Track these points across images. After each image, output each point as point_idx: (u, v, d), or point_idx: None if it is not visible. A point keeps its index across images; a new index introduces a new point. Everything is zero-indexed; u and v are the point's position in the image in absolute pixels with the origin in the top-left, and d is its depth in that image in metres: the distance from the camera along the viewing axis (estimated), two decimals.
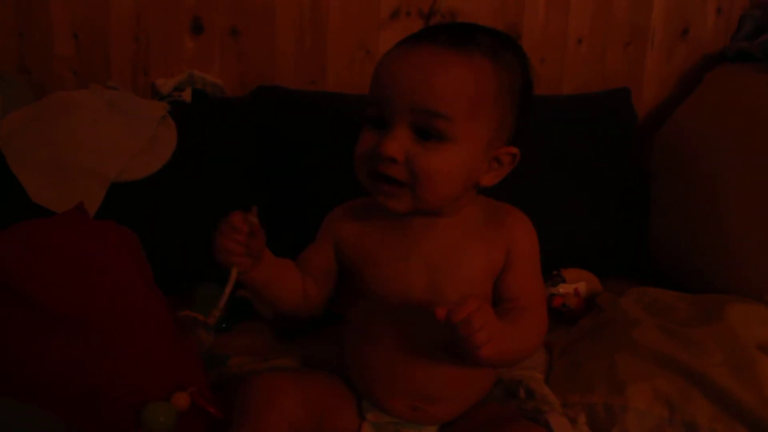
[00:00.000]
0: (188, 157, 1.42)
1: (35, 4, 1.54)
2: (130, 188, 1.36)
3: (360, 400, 0.95)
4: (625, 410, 0.93)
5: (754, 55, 1.58)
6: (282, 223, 1.44)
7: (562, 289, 1.37)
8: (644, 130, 1.74)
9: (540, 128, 1.57)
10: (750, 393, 0.90)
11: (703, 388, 0.93)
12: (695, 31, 1.79)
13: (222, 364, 1.12)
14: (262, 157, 1.48)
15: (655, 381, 0.96)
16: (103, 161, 1.35)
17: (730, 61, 1.68)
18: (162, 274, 1.13)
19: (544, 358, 1.11)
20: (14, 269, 0.98)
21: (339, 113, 1.46)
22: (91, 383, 0.91)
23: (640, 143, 1.67)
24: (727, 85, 1.60)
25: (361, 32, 1.65)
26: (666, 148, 1.63)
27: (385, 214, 0.91)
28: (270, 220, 1.44)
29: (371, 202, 0.94)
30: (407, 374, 0.90)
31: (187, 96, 1.53)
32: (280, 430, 0.85)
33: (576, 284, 1.38)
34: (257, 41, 1.63)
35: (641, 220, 1.61)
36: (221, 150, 1.46)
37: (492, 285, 0.92)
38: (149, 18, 1.58)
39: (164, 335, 1.01)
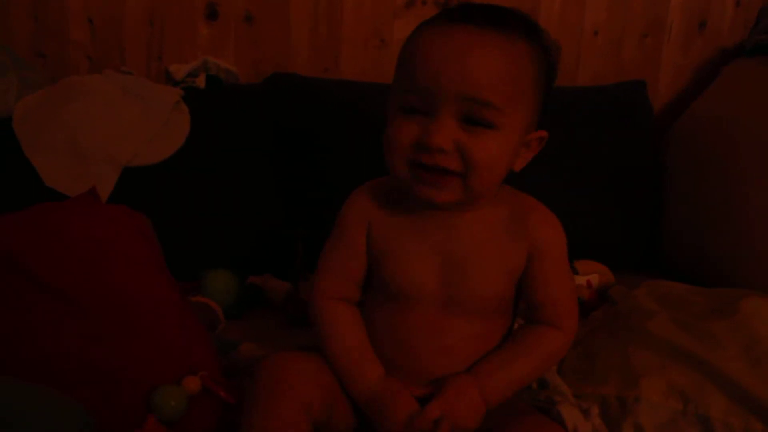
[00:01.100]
0: (201, 143, 1.42)
1: None
2: (143, 173, 1.36)
3: None
4: (638, 402, 0.92)
5: None
6: (295, 210, 1.44)
7: (575, 280, 1.36)
8: (660, 123, 1.72)
9: (554, 119, 1.56)
10: (765, 386, 0.89)
11: (718, 382, 0.92)
12: (713, 23, 1.78)
13: (233, 350, 1.12)
14: (275, 144, 1.48)
15: (668, 373, 0.95)
16: (116, 146, 1.35)
17: (748, 54, 1.66)
18: (173, 260, 1.13)
19: None
20: (27, 252, 0.98)
21: (353, 101, 1.45)
22: (103, 366, 0.91)
23: (655, 136, 1.66)
24: (745, 79, 1.58)
25: (376, 20, 1.64)
26: (682, 141, 1.62)
27: (408, 202, 0.90)
28: (282, 206, 1.45)
29: (394, 186, 0.92)
30: (419, 368, 0.89)
31: (200, 82, 1.53)
32: (294, 412, 0.82)
33: (589, 276, 1.37)
34: (272, 28, 1.62)
35: (655, 212, 1.60)
36: (234, 136, 1.46)
37: (513, 284, 0.90)
38: (164, 4, 1.58)
39: (176, 319, 1.00)
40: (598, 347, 1.06)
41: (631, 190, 1.58)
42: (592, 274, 1.38)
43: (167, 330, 0.99)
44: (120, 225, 1.09)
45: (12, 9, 1.55)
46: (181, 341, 0.98)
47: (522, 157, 0.89)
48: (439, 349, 0.88)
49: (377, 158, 0.94)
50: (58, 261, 0.99)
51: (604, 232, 1.55)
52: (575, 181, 1.54)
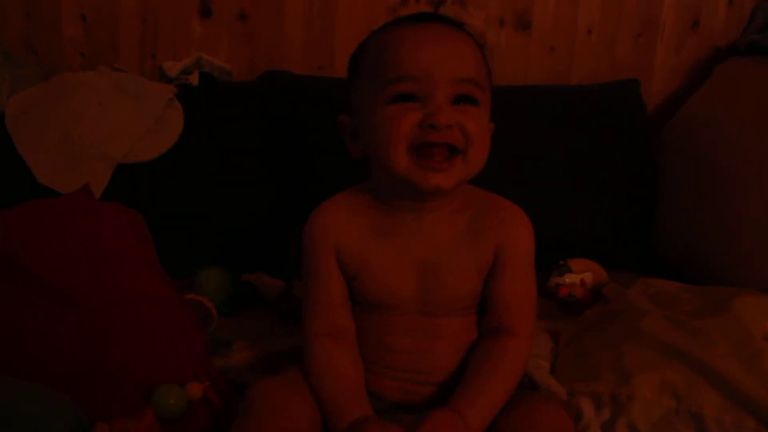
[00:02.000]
0: (195, 140, 1.42)
1: None
2: (137, 170, 1.36)
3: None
4: (632, 400, 0.92)
5: (765, 48, 1.57)
6: (288, 207, 1.44)
7: (569, 279, 1.36)
8: (653, 122, 1.73)
9: (548, 118, 1.57)
10: (758, 383, 0.90)
11: (711, 379, 0.92)
12: (706, 22, 1.78)
13: (226, 348, 1.12)
14: (268, 141, 1.47)
15: (662, 371, 0.95)
16: (109, 143, 1.35)
17: (741, 53, 1.66)
18: (166, 257, 1.12)
19: (550, 347, 1.10)
20: (20, 249, 0.98)
21: (347, 99, 1.45)
22: (98, 363, 0.91)
23: (648, 135, 1.66)
24: (738, 78, 1.59)
25: (370, 18, 1.64)
26: (675, 141, 1.62)
27: (372, 210, 0.91)
28: (276, 204, 1.45)
29: (353, 197, 0.93)
30: (396, 370, 0.90)
31: (194, 79, 1.53)
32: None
33: (582, 274, 1.37)
34: (266, 25, 1.62)
35: (648, 211, 1.60)
36: (228, 134, 1.45)
37: (482, 282, 0.91)
38: (157, 1, 1.58)
39: (169, 316, 1.00)
40: (592, 345, 1.06)
41: (625, 188, 1.58)
42: (586, 273, 1.38)
43: (160, 326, 0.98)
44: (113, 222, 1.08)
45: (4, 5, 1.55)
46: (176, 338, 0.98)
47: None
48: (422, 349, 0.90)
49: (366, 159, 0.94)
50: (51, 258, 0.98)
51: (597, 230, 1.55)
52: (568, 180, 1.54)
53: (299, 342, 1.12)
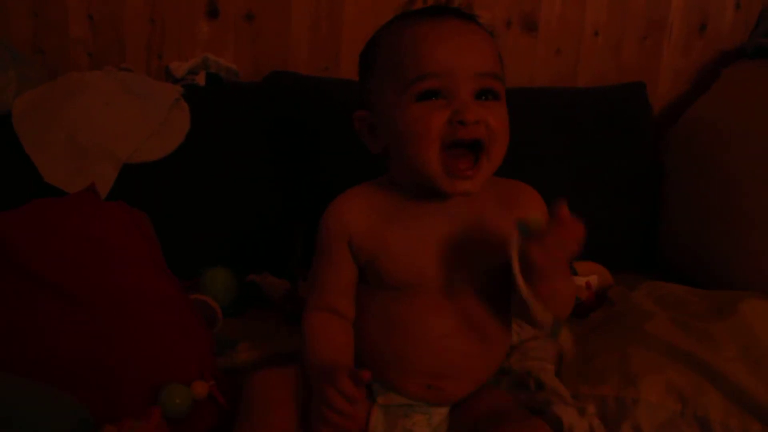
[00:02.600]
0: (201, 140, 1.42)
1: None
2: (143, 170, 1.36)
3: (370, 384, 0.93)
4: (637, 403, 0.92)
5: None
6: (293, 208, 1.44)
7: (574, 281, 1.36)
8: (659, 125, 1.72)
9: (554, 120, 1.57)
10: (764, 387, 0.90)
11: (717, 382, 0.92)
12: (713, 26, 1.77)
13: (231, 348, 1.12)
14: (274, 142, 1.47)
15: (667, 374, 0.95)
16: (115, 143, 1.35)
17: (748, 57, 1.66)
18: (172, 257, 1.13)
19: (555, 350, 1.10)
20: (27, 249, 0.98)
21: (352, 100, 1.45)
22: (104, 363, 0.91)
23: (654, 137, 1.66)
24: (745, 82, 1.58)
25: (377, 19, 1.60)
26: (681, 144, 1.62)
27: (390, 199, 0.92)
28: (281, 204, 1.45)
29: (370, 189, 0.94)
30: (421, 355, 0.89)
31: (200, 80, 1.53)
32: (287, 421, 0.85)
33: (587, 277, 1.37)
34: (272, 26, 1.62)
35: (654, 214, 1.60)
36: (234, 134, 1.45)
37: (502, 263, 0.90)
38: (165, 1, 1.58)
39: (175, 316, 1.00)
40: (597, 348, 1.06)
41: (631, 191, 1.58)
42: (591, 276, 1.38)
43: (165, 326, 0.99)
44: (119, 222, 1.09)
45: (12, 5, 1.55)
46: (181, 338, 0.98)
47: None
48: (444, 332, 0.89)
49: (376, 156, 0.94)
50: (57, 258, 0.99)
51: (603, 233, 1.55)
52: (574, 182, 1.54)
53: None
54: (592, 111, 1.60)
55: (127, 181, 1.34)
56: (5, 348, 0.92)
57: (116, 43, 1.59)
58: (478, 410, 0.90)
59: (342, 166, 1.43)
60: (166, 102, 1.42)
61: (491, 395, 0.95)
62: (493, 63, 0.87)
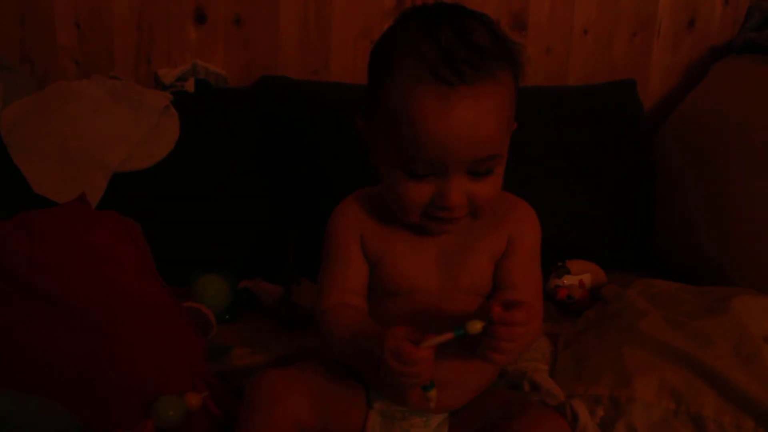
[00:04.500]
0: (191, 147, 1.41)
1: None
2: (133, 178, 1.36)
3: (367, 390, 0.94)
4: (631, 401, 0.92)
5: (761, 47, 1.57)
6: (285, 213, 1.44)
7: (567, 280, 1.36)
8: (650, 122, 1.72)
9: (545, 119, 1.57)
10: (757, 385, 0.90)
11: (710, 380, 0.92)
12: (702, 21, 1.78)
13: (225, 355, 1.11)
14: (265, 147, 1.47)
15: (661, 373, 0.95)
16: (105, 151, 1.34)
17: (737, 52, 1.66)
18: (163, 265, 1.12)
19: (548, 349, 1.10)
20: (17, 260, 0.98)
21: (343, 103, 1.45)
22: (96, 372, 0.91)
23: (645, 134, 1.66)
24: (734, 77, 1.58)
25: (365, 22, 1.64)
26: (672, 140, 1.62)
27: (389, 208, 0.93)
28: (273, 210, 1.44)
29: (373, 193, 0.96)
30: None
31: (190, 86, 1.52)
32: (288, 427, 0.85)
33: (581, 276, 1.37)
34: (261, 31, 1.62)
35: (646, 212, 1.60)
36: (224, 140, 1.45)
37: (494, 267, 0.94)
38: (152, 7, 1.57)
39: (167, 324, 1.00)
40: (591, 347, 1.06)
41: (622, 189, 1.58)
42: (585, 274, 1.38)
43: (160, 335, 0.98)
44: (110, 231, 1.08)
45: None
46: (174, 346, 0.98)
47: None
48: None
49: (367, 161, 0.94)
50: (47, 268, 0.98)
51: (595, 231, 1.55)
52: (566, 180, 1.54)
53: (299, 348, 1.13)
54: (583, 109, 1.60)
55: (117, 190, 1.33)
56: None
57: (104, 51, 1.58)
58: (483, 409, 0.91)
59: (334, 170, 1.43)
60: (155, 109, 1.42)
61: (496, 394, 0.97)
62: (492, 146, 0.84)
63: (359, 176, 1.00)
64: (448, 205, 0.85)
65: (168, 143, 1.40)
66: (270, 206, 1.45)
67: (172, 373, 0.95)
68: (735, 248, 1.34)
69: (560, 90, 1.67)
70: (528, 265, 0.95)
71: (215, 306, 1.23)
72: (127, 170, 1.35)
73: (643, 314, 1.09)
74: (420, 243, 0.93)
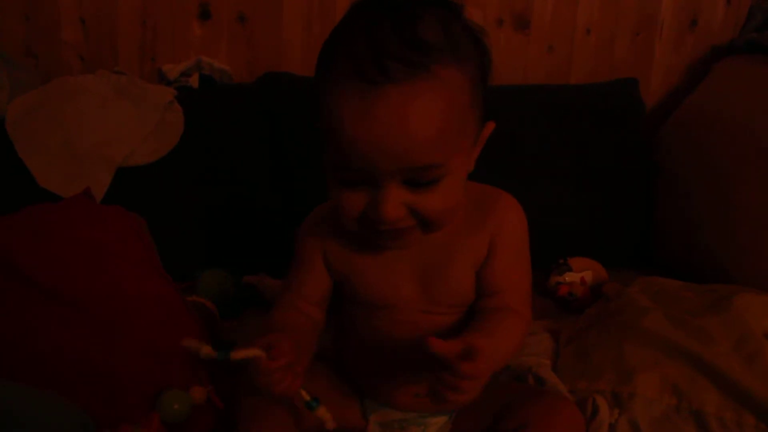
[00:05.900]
0: (195, 142, 1.42)
1: None
2: (137, 173, 1.36)
3: (362, 401, 0.94)
4: (633, 398, 0.93)
5: (763, 47, 1.57)
6: (289, 208, 1.44)
7: (569, 277, 1.37)
8: (652, 121, 1.73)
9: (547, 117, 1.57)
10: (758, 381, 0.90)
11: (712, 377, 0.93)
12: (704, 21, 1.78)
13: (229, 350, 1.11)
14: (268, 143, 1.47)
15: (663, 369, 0.95)
16: (110, 146, 1.35)
17: (739, 52, 1.66)
18: (168, 259, 1.13)
19: (550, 345, 1.11)
20: (22, 254, 0.98)
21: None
22: (102, 367, 0.91)
23: (647, 133, 1.67)
24: (735, 77, 1.59)
25: None
26: (673, 139, 1.62)
27: None
28: (277, 205, 1.45)
29: None
30: (405, 369, 0.88)
31: (194, 82, 1.53)
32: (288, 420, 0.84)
33: (582, 273, 1.37)
34: (265, 27, 1.62)
35: (647, 210, 1.61)
36: (228, 136, 1.46)
37: (476, 276, 0.87)
38: (156, 4, 1.58)
39: (172, 319, 1.00)
40: (593, 344, 1.06)
41: (624, 187, 1.59)
42: (586, 271, 1.38)
43: (164, 330, 0.98)
44: (114, 225, 1.08)
45: (3, 9, 1.55)
46: (179, 341, 0.98)
47: (474, 154, 0.84)
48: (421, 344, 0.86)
49: None
50: (53, 262, 0.98)
51: (597, 229, 1.56)
52: (568, 179, 1.54)
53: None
54: (585, 108, 1.61)
55: (122, 184, 1.34)
56: (3, 353, 0.92)
57: (109, 46, 1.59)
58: (494, 402, 0.87)
59: None
60: (159, 105, 1.42)
61: (505, 386, 0.95)
62: (430, 152, 0.73)
63: None
64: (381, 219, 0.75)
65: (172, 138, 1.40)
66: (273, 201, 1.45)
67: (177, 367, 0.95)
68: (736, 246, 1.34)
69: (562, 89, 1.68)
70: (513, 266, 0.87)
71: (219, 301, 1.24)
72: (131, 165, 1.36)
73: (645, 312, 1.09)
74: (392, 256, 0.86)
